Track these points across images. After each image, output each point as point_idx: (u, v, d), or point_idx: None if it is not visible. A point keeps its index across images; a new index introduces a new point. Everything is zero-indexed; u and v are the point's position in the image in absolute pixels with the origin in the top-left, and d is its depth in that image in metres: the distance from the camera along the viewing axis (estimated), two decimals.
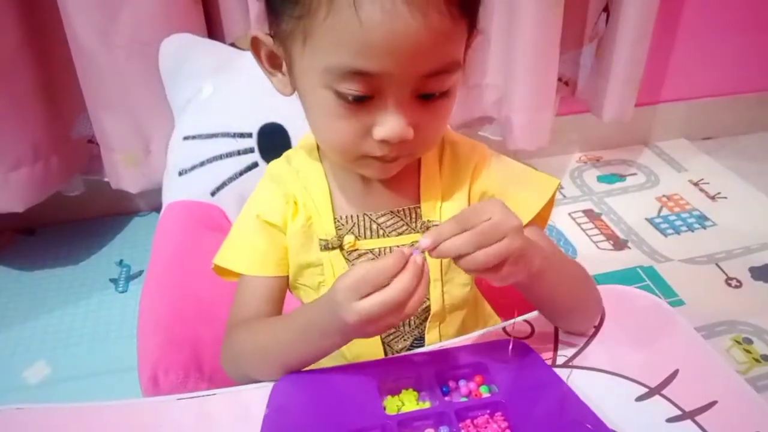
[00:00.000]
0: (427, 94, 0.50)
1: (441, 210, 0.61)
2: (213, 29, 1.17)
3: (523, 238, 0.47)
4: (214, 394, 0.55)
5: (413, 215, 0.61)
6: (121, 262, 1.34)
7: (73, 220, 1.42)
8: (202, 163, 0.98)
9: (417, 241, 0.47)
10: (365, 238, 0.60)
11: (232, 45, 1.15)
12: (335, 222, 0.60)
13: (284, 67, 0.55)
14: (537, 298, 0.58)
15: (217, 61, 1.03)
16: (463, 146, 0.63)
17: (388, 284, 0.46)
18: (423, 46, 0.46)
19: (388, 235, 0.61)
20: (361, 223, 0.60)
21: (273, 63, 0.56)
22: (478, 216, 0.46)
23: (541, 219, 0.62)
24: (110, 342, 1.12)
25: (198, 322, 0.79)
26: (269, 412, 0.51)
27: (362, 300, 0.46)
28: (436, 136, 0.56)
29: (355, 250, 0.60)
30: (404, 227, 0.61)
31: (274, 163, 0.65)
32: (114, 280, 1.29)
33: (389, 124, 0.50)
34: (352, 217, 0.61)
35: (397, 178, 0.58)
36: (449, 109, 0.54)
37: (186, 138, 1.00)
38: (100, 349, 1.12)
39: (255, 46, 0.55)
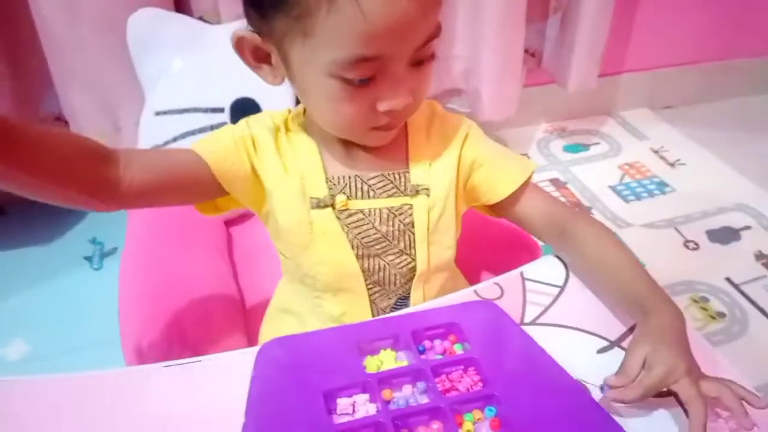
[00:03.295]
0: (420, 60, 0.55)
1: (430, 175, 0.64)
2: (180, 3, 1.16)
3: (687, 364, 0.51)
4: (200, 361, 0.56)
5: (403, 179, 0.64)
6: (94, 239, 1.34)
7: None
8: (174, 139, 0.98)
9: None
10: (356, 198, 0.62)
11: (201, 19, 1.14)
12: (327, 182, 0.62)
13: (273, 60, 0.58)
14: None
15: (186, 36, 1.02)
16: (452, 119, 0.67)
17: None
18: (419, 23, 0.52)
19: (378, 197, 0.63)
20: (353, 184, 0.63)
21: (258, 57, 0.58)
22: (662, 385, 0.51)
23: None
24: (88, 318, 1.12)
25: (178, 295, 0.80)
26: (255, 374, 0.53)
27: None
28: (423, 97, 0.60)
29: (347, 209, 0.62)
30: (394, 190, 0.63)
31: (271, 113, 0.65)
32: (88, 258, 1.29)
33: (395, 96, 0.55)
34: (344, 177, 0.63)
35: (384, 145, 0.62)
36: (432, 69, 0.58)
37: (158, 113, 1.00)
38: (79, 325, 1.12)
39: (239, 44, 0.58)
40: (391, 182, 0.63)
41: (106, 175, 0.54)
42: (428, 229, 0.63)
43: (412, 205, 0.63)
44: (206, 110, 0.97)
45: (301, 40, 0.52)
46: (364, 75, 0.53)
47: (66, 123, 1.20)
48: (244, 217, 1.04)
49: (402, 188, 0.63)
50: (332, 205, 0.62)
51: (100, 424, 0.50)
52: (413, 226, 0.63)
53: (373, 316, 0.65)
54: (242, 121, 0.64)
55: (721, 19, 1.74)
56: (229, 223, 1.04)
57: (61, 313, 1.16)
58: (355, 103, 0.55)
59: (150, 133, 1.00)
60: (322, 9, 0.50)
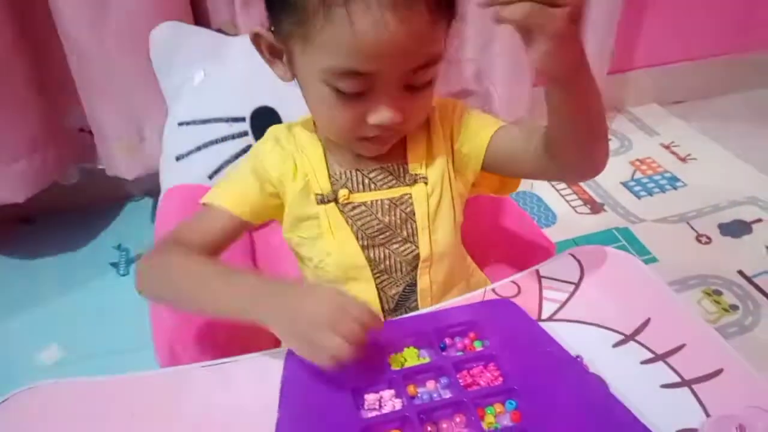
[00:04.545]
0: (414, 85, 0.57)
1: (426, 164, 0.67)
2: (199, 16, 1.19)
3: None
4: (236, 361, 0.59)
5: (401, 170, 0.67)
6: (119, 246, 1.37)
7: (70, 207, 1.44)
8: (198, 148, 1.01)
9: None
10: (358, 191, 0.66)
11: (219, 31, 1.17)
12: (330, 178, 0.66)
13: (284, 58, 0.61)
14: (572, 108, 0.55)
15: (206, 48, 1.05)
16: (443, 109, 0.69)
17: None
18: (409, 49, 0.54)
19: (379, 189, 0.66)
20: (354, 178, 0.66)
21: (273, 53, 0.62)
22: None
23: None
24: (118, 324, 1.15)
25: None
26: (286, 374, 0.55)
27: (319, 334, 0.50)
28: (421, 118, 0.64)
29: (350, 202, 0.65)
30: (393, 181, 0.66)
31: (276, 127, 0.71)
32: (114, 264, 1.32)
33: (382, 113, 0.57)
34: (345, 173, 0.66)
35: None
36: (431, 95, 0.62)
37: (181, 124, 1.03)
38: (110, 330, 1.15)
39: (256, 39, 0.61)
40: (391, 174, 0.66)
41: None
42: (428, 216, 0.66)
43: (411, 194, 0.66)
44: (228, 120, 1.00)
45: (302, 44, 0.56)
46: (355, 89, 0.56)
47: (90, 134, 1.23)
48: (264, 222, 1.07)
49: (401, 178, 0.66)
50: (335, 200, 0.65)
51: (139, 425, 0.53)
52: (414, 215, 0.66)
53: (382, 304, 0.67)
54: (249, 164, 0.68)
55: (729, 12, 1.74)
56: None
57: (92, 319, 1.19)
58: (346, 112, 0.58)
59: (173, 143, 1.03)
60: (318, 18, 0.52)
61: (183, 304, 0.65)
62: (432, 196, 0.66)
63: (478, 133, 0.67)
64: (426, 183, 0.66)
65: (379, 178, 0.66)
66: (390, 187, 0.66)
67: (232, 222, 0.66)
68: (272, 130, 0.70)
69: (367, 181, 0.66)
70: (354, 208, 0.65)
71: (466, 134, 0.68)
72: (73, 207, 1.44)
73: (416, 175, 0.66)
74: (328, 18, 0.52)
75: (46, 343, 1.13)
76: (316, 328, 0.50)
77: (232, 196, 0.66)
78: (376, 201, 0.66)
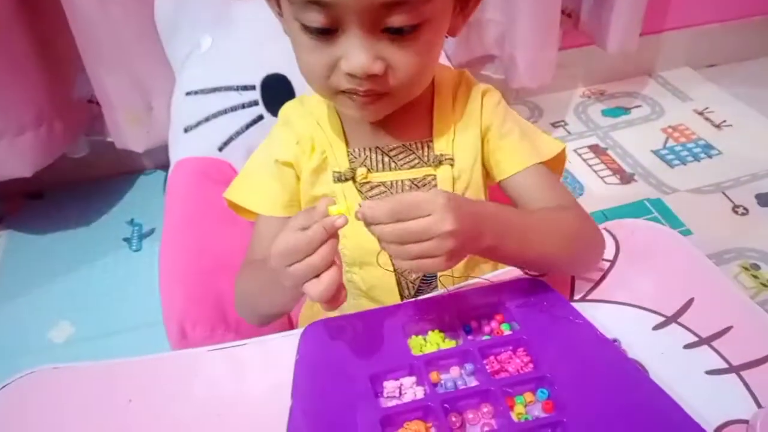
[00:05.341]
0: (394, 28, 0.50)
1: (453, 144, 0.62)
2: None
3: (458, 238, 0.46)
4: (245, 344, 0.56)
5: (426, 149, 0.62)
6: (132, 221, 1.35)
7: (79, 181, 1.43)
8: (207, 119, 0.97)
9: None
10: (378, 170, 0.62)
11: None
12: (348, 155, 0.61)
13: None
14: (503, 262, 0.58)
15: (213, 13, 1.00)
16: (476, 86, 0.64)
17: (314, 252, 0.46)
18: None
19: (400, 168, 0.62)
20: (374, 156, 0.62)
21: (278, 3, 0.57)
22: (414, 212, 0.46)
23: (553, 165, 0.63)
24: (130, 300, 1.15)
25: (218, 275, 0.80)
26: (300, 357, 0.53)
27: (293, 266, 0.46)
28: (414, 76, 0.54)
29: (368, 182, 0.61)
30: (416, 160, 0.62)
31: (287, 105, 0.67)
32: (127, 240, 1.31)
33: (353, 58, 0.50)
34: (365, 150, 0.62)
35: (409, 113, 0.59)
36: (427, 47, 0.53)
37: (188, 93, 0.99)
38: (121, 307, 1.15)
39: None
40: (414, 152, 0.62)
41: None
42: None
43: (435, 175, 0.61)
44: (237, 88, 0.96)
45: None
46: (319, 22, 0.49)
47: (98, 105, 1.20)
48: None
49: (425, 158, 0.62)
50: (353, 178, 0.61)
51: (150, 408, 0.51)
52: None
53: (401, 288, 0.65)
54: (265, 158, 0.64)
55: None
56: None
57: (104, 295, 1.18)
58: (318, 55, 0.52)
59: (181, 114, 0.99)
60: None
61: (264, 313, 0.62)
62: (459, 180, 0.62)
63: (505, 158, 0.62)
64: (452, 165, 0.61)
65: (401, 156, 0.62)
66: (412, 167, 0.62)
67: (279, 224, 0.61)
68: (283, 111, 0.66)
69: (387, 159, 0.62)
70: (372, 188, 0.61)
71: (494, 147, 0.63)
72: (82, 181, 1.43)
73: (441, 155, 0.61)
74: None
75: (57, 320, 1.13)
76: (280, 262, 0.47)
77: (261, 198, 0.64)
78: (397, 182, 0.62)
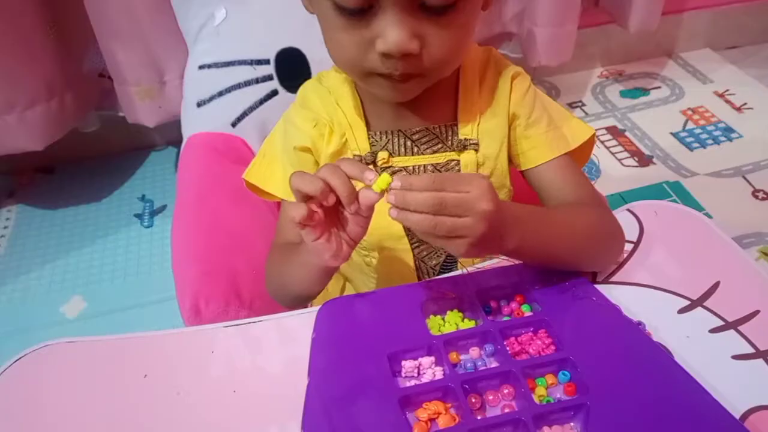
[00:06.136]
0: (432, 6, 0.48)
1: (479, 128, 0.60)
2: None
3: (489, 224, 0.46)
4: (260, 321, 0.56)
5: (449, 133, 0.60)
6: (143, 197, 1.35)
7: (91, 156, 1.42)
8: (220, 93, 0.96)
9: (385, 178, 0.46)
10: (399, 154, 0.60)
11: None
12: (369, 138, 0.60)
13: None
14: (526, 262, 0.57)
15: None
16: (506, 67, 0.62)
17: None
18: None
19: (423, 153, 0.60)
20: (395, 140, 0.60)
21: None
22: (457, 184, 0.45)
23: (577, 157, 0.62)
24: (142, 276, 1.14)
25: (231, 252, 0.79)
26: (317, 335, 0.52)
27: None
28: (449, 55, 0.52)
29: (389, 166, 0.60)
30: (439, 145, 0.60)
31: (305, 84, 0.65)
32: (138, 216, 1.30)
33: (390, 36, 0.48)
34: (386, 133, 0.60)
35: (433, 94, 0.57)
36: (463, 25, 0.51)
37: (201, 67, 0.97)
38: (133, 282, 1.14)
39: None
40: (437, 136, 0.60)
41: None
42: None
43: (459, 160, 0.60)
44: (251, 62, 0.94)
45: None
46: (355, 2, 0.47)
47: (110, 79, 1.19)
48: None
49: (449, 143, 0.60)
50: (374, 162, 0.59)
51: (165, 383, 0.50)
52: None
53: (421, 275, 0.64)
54: (282, 142, 0.63)
55: None
56: None
57: (116, 271, 1.18)
58: (352, 35, 0.50)
59: (194, 88, 0.98)
60: None
61: (296, 293, 0.61)
62: (483, 167, 0.60)
63: (531, 148, 0.61)
64: (477, 150, 0.59)
65: (424, 140, 0.60)
66: (435, 152, 0.60)
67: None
68: (301, 91, 0.64)
69: (409, 143, 0.60)
70: (394, 173, 0.59)
71: (521, 134, 0.61)
72: (94, 156, 1.42)
73: (466, 140, 0.59)
74: None
75: (70, 295, 1.13)
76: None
77: (280, 182, 0.62)
78: (419, 166, 0.60)
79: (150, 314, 1.04)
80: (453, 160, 0.60)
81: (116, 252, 1.22)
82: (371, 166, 0.59)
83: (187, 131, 0.99)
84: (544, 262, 0.55)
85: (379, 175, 0.47)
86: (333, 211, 0.50)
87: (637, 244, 0.61)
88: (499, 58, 0.62)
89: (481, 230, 0.45)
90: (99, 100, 1.26)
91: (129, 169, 1.42)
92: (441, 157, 0.60)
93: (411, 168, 0.60)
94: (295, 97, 0.64)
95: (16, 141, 1.11)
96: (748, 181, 1.30)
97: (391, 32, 0.48)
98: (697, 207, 1.24)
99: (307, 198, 0.47)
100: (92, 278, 1.16)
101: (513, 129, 0.61)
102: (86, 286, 1.14)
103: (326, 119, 0.60)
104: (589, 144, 0.63)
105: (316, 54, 0.94)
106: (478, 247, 0.46)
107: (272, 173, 0.63)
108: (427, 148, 0.60)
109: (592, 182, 1.26)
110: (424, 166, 0.60)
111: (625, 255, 0.59)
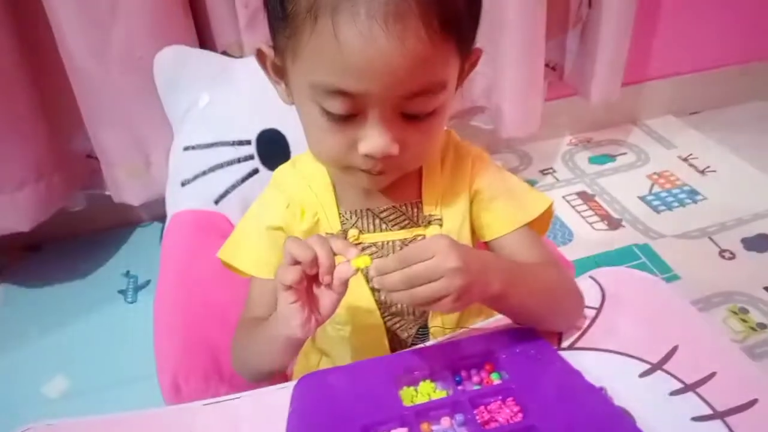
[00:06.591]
0: (411, 114, 0.52)
1: (442, 205, 0.63)
2: (204, 39, 1.18)
3: (465, 276, 0.48)
4: (239, 398, 0.57)
5: (415, 210, 0.63)
6: (127, 273, 1.35)
7: (77, 234, 1.43)
8: (204, 173, 0.99)
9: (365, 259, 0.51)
10: (369, 231, 0.63)
11: (224, 53, 1.16)
12: (340, 217, 0.63)
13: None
14: (504, 312, 0.60)
15: (211, 71, 1.04)
16: (464, 148, 0.66)
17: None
18: (401, 70, 0.48)
19: (391, 229, 0.63)
20: (365, 218, 0.63)
21: (277, 72, 0.58)
22: (420, 254, 0.49)
23: (537, 226, 0.65)
24: (125, 352, 1.14)
25: (212, 327, 0.81)
26: (293, 409, 0.53)
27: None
28: (425, 153, 0.58)
29: (359, 243, 0.63)
30: (406, 221, 0.63)
31: (280, 168, 0.69)
32: (122, 291, 1.31)
33: (373, 141, 0.52)
34: (356, 212, 0.63)
35: (400, 176, 0.60)
36: (439, 127, 0.56)
37: (186, 148, 1.01)
38: (116, 359, 1.13)
39: (260, 57, 0.58)
40: (404, 214, 0.63)
41: None
42: None
43: (425, 235, 0.63)
44: (233, 143, 0.98)
45: (292, 58, 0.52)
46: (342, 110, 0.51)
47: (97, 160, 1.22)
48: None
49: (414, 219, 0.63)
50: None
51: None
52: None
53: (394, 346, 0.65)
54: (255, 222, 0.66)
55: (740, 21, 1.72)
56: None
57: (99, 348, 1.17)
58: (336, 137, 0.53)
59: (179, 168, 1.01)
60: (306, 31, 0.49)
61: (261, 370, 0.63)
62: None
63: (494, 220, 0.64)
64: (440, 225, 0.63)
65: (391, 218, 0.63)
66: (402, 228, 0.63)
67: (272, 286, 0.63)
68: (275, 174, 0.68)
69: (378, 221, 0.63)
70: (364, 249, 0.63)
71: (484, 208, 0.65)
72: (80, 233, 1.43)
73: (431, 215, 0.63)
74: (315, 29, 0.48)
75: (52, 374, 1.12)
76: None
77: (253, 260, 0.65)
78: (387, 242, 0.63)
79: (133, 391, 1.02)
80: (419, 235, 0.63)
81: (100, 329, 1.21)
82: None
83: (172, 209, 1.01)
84: (524, 311, 0.58)
85: (361, 254, 0.51)
86: (309, 285, 0.53)
87: (599, 309, 0.63)
88: (457, 141, 0.67)
89: (457, 285, 0.48)
90: (86, 180, 1.28)
91: (114, 245, 1.43)
92: (408, 233, 0.63)
93: (380, 243, 0.63)
94: (270, 181, 0.68)
95: (4, 222, 1.13)
96: (714, 242, 1.34)
97: (373, 138, 0.52)
98: (666, 268, 1.27)
99: (295, 263, 0.50)
100: (76, 356, 1.15)
101: (476, 203, 0.65)
102: (69, 365, 1.13)
103: (298, 201, 0.64)
104: (547, 214, 0.66)
105: (296, 134, 0.98)
106: (462, 300, 0.49)
107: (242, 251, 0.66)
108: (395, 225, 0.63)
109: (565, 245, 1.32)
110: (393, 241, 0.63)
111: (588, 321, 0.62)
